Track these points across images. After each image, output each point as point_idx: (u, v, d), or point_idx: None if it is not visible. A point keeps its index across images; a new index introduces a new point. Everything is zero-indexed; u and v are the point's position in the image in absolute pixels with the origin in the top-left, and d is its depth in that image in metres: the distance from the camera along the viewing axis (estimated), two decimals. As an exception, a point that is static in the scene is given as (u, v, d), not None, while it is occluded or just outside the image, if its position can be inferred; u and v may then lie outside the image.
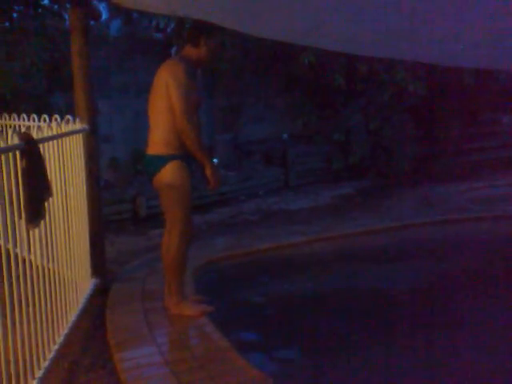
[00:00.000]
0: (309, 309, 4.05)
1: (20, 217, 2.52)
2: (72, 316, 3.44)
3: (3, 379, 2.35)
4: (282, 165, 9.08)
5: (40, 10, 7.02)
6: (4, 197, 2.37)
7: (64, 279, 3.30)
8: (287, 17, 3.40)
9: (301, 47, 8.30)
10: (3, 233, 2.33)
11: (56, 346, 3.04)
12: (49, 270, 3.00)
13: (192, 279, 4.07)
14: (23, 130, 2.74)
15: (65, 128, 3.46)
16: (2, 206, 2.34)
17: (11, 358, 2.44)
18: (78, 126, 3.83)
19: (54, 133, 3.23)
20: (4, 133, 2.54)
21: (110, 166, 7.68)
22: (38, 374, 2.72)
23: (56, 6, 7.11)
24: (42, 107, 5.92)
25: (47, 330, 2.91)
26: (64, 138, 3.41)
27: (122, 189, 7.19)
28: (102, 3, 7.88)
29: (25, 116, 4.45)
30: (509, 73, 8.48)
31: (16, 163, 2.50)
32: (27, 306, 2.64)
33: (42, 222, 2.83)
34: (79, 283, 3.69)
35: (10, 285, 2.44)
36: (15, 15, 6.82)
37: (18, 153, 2.51)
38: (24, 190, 2.53)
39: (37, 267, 2.81)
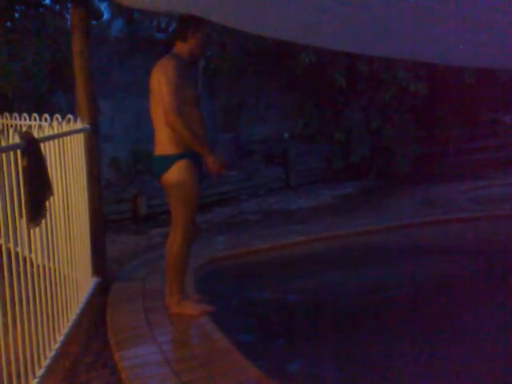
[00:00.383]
0: (310, 308, 4.06)
1: (21, 216, 2.53)
2: (73, 315, 3.45)
3: (4, 378, 2.36)
4: (283, 164, 9.08)
5: (41, 10, 7.03)
6: (5, 196, 2.38)
7: (65, 278, 3.31)
8: (288, 15, 3.40)
9: (301, 46, 8.31)
10: (4, 232, 2.34)
11: (57, 345, 3.05)
12: (49, 268, 3.01)
13: (193, 278, 4.07)
14: (24, 129, 2.74)
15: (66, 127, 3.47)
16: (3, 205, 2.35)
17: (12, 357, 2.45)
18: (79, 125, 3.83)
19: (55, 132, 3.24)
20: (5, 132, 2.55)
21: (111, 166, 7.69)
22: (39, 372, 2.73)
23: (57, 6, 7.12)
24: (43, 107, 5.94)
25: (48, 329, 2.92)
26: (65, 138, 3.41)
27: (123, 188, 7.20)
28: (103, 3, 7.91)
29: (26, 115, 4.46)
30: (509, 72, 8.49)
31: (17, 162, 2.51)
32: (28, 304, 2.64)
33: (43, 221, 2.84)
34: (80, 282, 3.69)
35: (11, 284, 2.44)
36: (17, 15, 6.83)
37: (19, 152, 2.52)
38: (25, 189, 2.54)
39: (38, 266, 2.82)
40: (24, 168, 2.54)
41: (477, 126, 10.76)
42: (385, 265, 4.96)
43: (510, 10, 2.90)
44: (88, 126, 3.98)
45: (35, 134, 2.81)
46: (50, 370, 2.85)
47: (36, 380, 2.67)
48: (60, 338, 3.13)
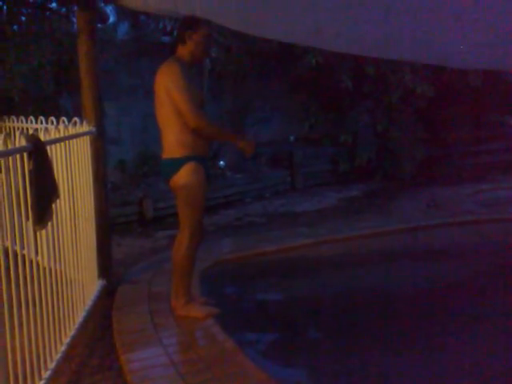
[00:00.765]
0: (316, 311, 4.04)
1: (27, 218, 2.54)
2: (79, 317, 3.45)
3: (10, 380, 2.37)
4: (289, 167, 9.08)
5: (48, 13, 7.06)
6: (12, 198, 2.39)
7: (71, 281, 3.32)
8: (292, 17, 3.41)
9: (307, 49, 8.31)
10: (11, 234, 2.34)
11: (63, 347, 3.06)
12: (56, 271, 3.01)
13: (199, 281, 4.07)
14: (31, 132, 2.75)
15: (72, 130, 3.48)
16: (10, 208, 2.36)
17: (18, 359, 2.46)
18: (85, 128, 3.84)
19: (62, 135, 3.24)
20: (12, 135, 2.56)
21: (118, 168, 7.71)
22: (45, 374, 2.73)
23: (64, 9, 7.14)
24: (49, 109, 5.96)
25: (54, 331, 2.92)
26: (71, 140, 3.42)
27: (129, 191, 7.21)
28: (109, 6, 7.92)
29: (32, 118, 4.48)
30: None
31: (24, 165, 2.52)
32: (34, 307, 2.65)
33: (49, 224, 2.85)
34: (86, 285, 3.70)
35: (18, 286, 2.45)
36: (23, 18, 6.86)
37: (25, 155, 2.53)
38: (31, 192, 2.54)
39: (44, 269, 2.82)
40: (30, 171, 2.55)
41: (483, 128, 10.72)
42: (393, 268, 4.94)
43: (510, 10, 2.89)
44: (94, 129, 3.99)
45: (41, 136, 2.82)
46: (55, 372, 2.86)
47: (42, 382, 2.67)
48: (66, 341, 3.13)
